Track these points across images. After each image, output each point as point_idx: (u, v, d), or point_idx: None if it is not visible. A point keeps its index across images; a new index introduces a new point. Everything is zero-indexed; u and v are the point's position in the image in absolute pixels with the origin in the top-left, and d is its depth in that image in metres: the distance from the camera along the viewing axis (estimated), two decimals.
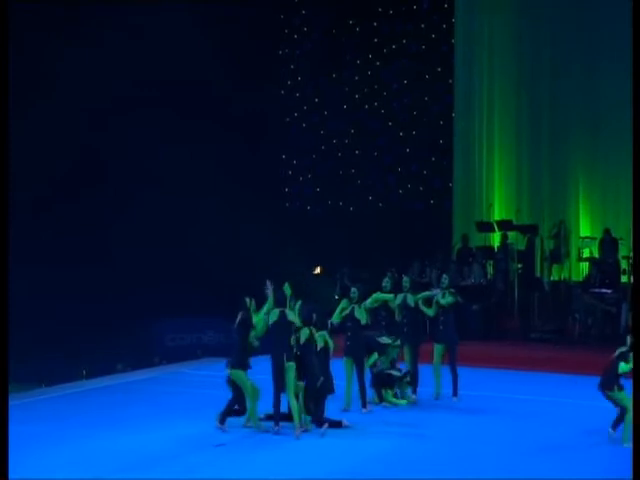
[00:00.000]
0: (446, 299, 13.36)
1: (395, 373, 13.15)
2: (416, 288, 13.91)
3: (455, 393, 13.37)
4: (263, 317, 11.60)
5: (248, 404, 11.57)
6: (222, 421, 11.64)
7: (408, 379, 13.13)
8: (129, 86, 20.37)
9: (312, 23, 23.69)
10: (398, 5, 22.85)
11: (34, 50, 19.73)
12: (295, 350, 11.58)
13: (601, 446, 10.83)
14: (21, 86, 17.10)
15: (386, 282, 13.53)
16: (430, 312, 13.47)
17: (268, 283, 11.75)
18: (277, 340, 11.49)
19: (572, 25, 20.92)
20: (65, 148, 19.97)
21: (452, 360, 13.40)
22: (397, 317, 13.48)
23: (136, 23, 19.92)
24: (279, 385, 11.40)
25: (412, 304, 13.32)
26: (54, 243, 19.90)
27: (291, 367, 11.37)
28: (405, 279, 13.62)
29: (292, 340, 11.56)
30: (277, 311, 11.50)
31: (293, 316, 11.60)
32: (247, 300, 11.77)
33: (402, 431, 11.64)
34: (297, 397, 11.45)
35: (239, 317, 11.72)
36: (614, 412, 12.42)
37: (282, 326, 11.50)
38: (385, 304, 13.39)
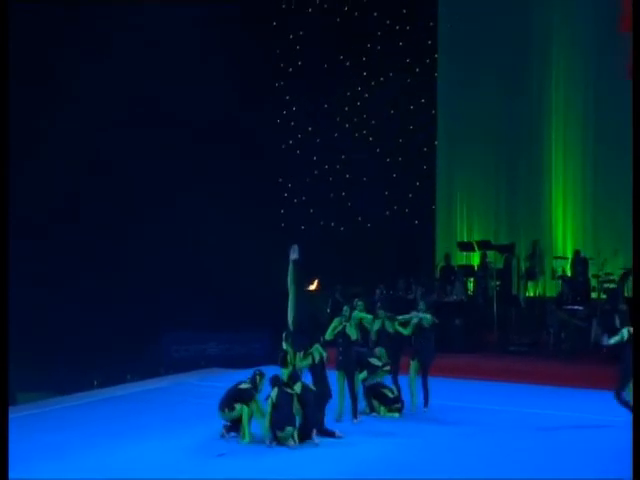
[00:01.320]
0: (427, 320, 13.33)
1: (389, 394, 13.03)
2: (399, 309, 13.89)
3: (426, 404, 13.26)
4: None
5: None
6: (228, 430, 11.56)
7: (399, 406, 13.00)
8: (130, 86, 19.68)
9: (306, 58, 23.64)
10: (385, 42, 22.83)
11: (34, 50, 18.97)
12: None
13: (584, 453, 10.74)
14: (21, 86, 16.48)
15: (359, 306, 13.10)
16: (406, 332, 13.44)
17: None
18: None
19: (554, 50, 20.94)
20: (67, 150, 19.18)
21: (425, 373, 13.28)
22: (372, 336, 13.52)
23: (137, 23, 19.22)
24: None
25: (391, 330, 13.33)
26: (63, 260, 19.49)
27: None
28: (380, 312, 13.60)
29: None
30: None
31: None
32: (257, 377, 11.70)
33: (390, 441, 11.54)
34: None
35: (247, 384, 11.64)
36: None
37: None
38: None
